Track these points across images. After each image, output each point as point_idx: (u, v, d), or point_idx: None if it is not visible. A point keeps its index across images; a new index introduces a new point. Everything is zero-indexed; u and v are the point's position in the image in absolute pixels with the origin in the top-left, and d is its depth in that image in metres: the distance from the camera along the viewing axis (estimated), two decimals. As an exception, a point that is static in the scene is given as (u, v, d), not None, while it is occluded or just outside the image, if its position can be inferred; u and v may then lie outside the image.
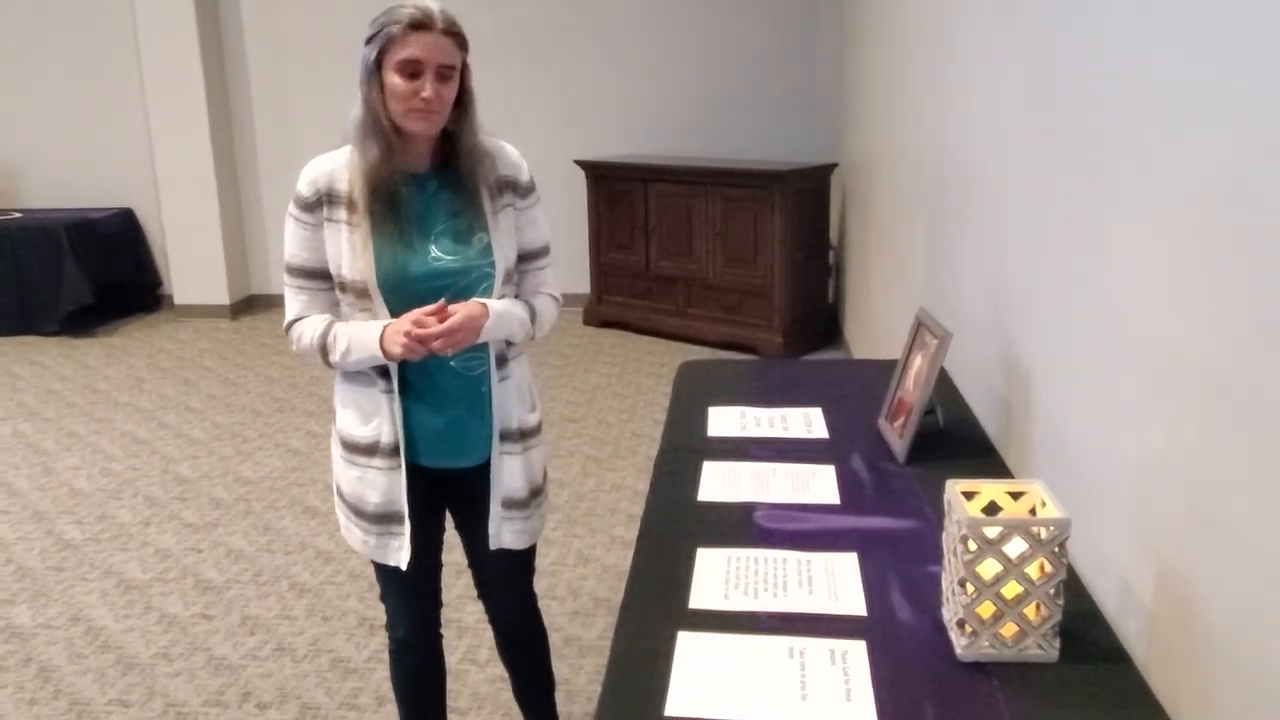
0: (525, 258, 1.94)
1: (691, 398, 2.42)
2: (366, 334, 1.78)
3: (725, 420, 2.25)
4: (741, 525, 1.75)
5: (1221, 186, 1.17)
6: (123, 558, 3.51)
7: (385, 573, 2.00)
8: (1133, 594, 1.41)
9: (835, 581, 1.56)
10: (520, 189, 1.91)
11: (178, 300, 6.90)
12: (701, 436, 2.17)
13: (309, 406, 5.07)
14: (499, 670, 2.76)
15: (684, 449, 2.10)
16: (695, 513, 1.82)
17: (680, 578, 1.57)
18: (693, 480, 1.94)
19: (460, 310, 1.75)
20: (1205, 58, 1.22)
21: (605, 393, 5.07)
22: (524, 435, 1.96)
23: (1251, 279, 1.10)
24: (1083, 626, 1.41)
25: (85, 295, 6.39)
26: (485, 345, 1.87)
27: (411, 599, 2.05)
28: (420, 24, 1.70)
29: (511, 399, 1.94)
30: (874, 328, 4.56)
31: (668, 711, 1.26)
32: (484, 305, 1.80)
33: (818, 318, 5.88)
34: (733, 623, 1.45)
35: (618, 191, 6.08)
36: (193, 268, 6.81)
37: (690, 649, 1.39)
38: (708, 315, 5.86)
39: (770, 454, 2.05)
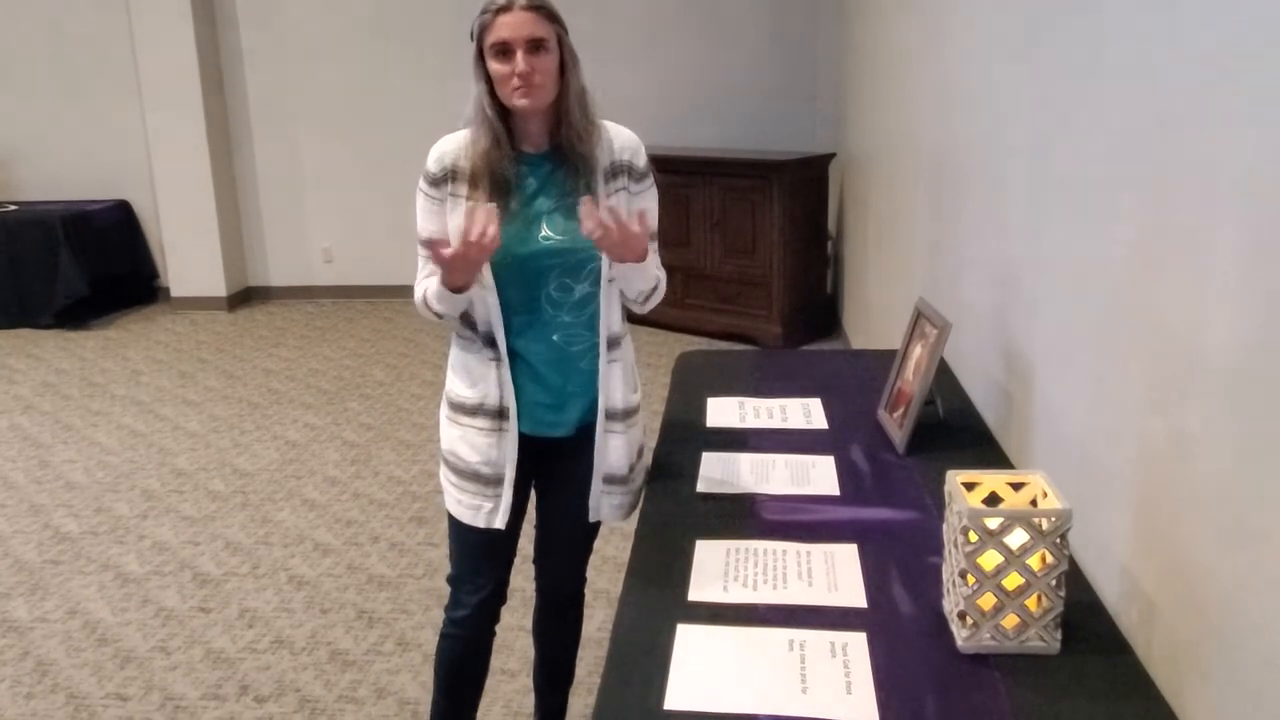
0: None
1: (690, 388, 2.42)
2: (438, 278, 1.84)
3: (724, 411, 2.25)
4: (741, 517, 1.75)
5: (1225, 175, 1.16)
6: (120, 551, 3.51)
7: (464, 544, 2.03)
8: (1134, 584, 1.40)
9: (835, 573, 1.55)
10: (635, 173, 1.96)
11: (174, 293, 6.88)
12: (700, 427, 2.17)
13: (306, 399, 5.06)
14: (500, 663, 2.75)
15: (682, 440, 2.10)
16: (694, 504, 1.81)
17: (679, 570, 1.56)
18: (691, 471, 1.93)
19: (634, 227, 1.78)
20: (1210, 44, 1.21)
21: (603, 384, 5.05)
22: (627, 414, 2.01)
23: (1254, 267, 1.09)
24: (1084, 617, 1.40)
25: (81, 288, 6.37)
26: (594, 324, 1.93)
27: (482, 579, 2.06)
28: (503, 7, 1.79)
29: (617, 379, 1.98)
30: (872, 318, 4.56)
31: (667, 704, 1.25)
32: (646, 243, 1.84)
33: (816, 308, 5.87)
34: (732, 615, 1.44)
35: (615, 182, 6.04)
36: (189, 260, 6.78)
37: (690, 641, 1.38)
38: (706, 306, 5.85)
39: (769, 445, 2.05)
